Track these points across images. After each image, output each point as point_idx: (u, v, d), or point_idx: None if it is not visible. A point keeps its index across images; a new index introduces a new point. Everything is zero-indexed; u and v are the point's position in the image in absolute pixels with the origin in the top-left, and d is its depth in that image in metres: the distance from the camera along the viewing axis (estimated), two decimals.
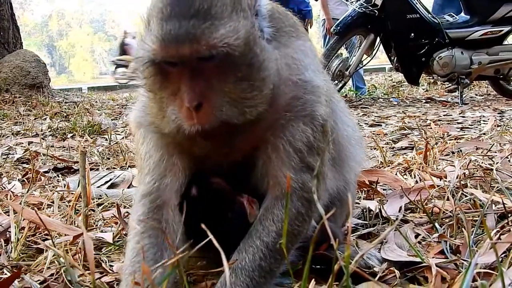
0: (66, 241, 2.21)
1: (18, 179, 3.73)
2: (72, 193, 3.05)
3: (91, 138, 6.02)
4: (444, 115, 7.45)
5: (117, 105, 10.59)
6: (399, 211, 2.51)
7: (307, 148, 1.71)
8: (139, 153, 1.83)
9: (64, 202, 2.99)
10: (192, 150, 1.73)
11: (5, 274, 1.92)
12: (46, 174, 3.85)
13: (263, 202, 1.75)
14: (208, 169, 1.83)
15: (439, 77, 9.66)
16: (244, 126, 1.60)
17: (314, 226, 1.77)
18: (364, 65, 10.48)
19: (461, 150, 4.06)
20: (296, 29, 1.86)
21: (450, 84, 10.37)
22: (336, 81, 9.52)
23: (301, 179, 1.70)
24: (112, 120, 7.55)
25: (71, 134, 6.31)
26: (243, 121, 1.58)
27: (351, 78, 10.87)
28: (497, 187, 2.64)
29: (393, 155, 4.24)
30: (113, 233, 2.33)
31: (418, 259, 1.82)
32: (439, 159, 3.71)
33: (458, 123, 6.49)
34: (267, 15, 1.69)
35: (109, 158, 4.63)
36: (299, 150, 1.70)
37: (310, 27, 12.95)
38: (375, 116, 7.67)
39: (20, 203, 2.52)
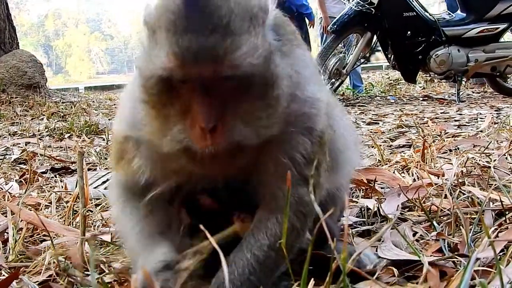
0: (64, 242, 2.21)
1: (16, 180, 3.72)
2: (70, 194, 3.05)
3: (89, 138, 6.01)
4: (441, 113, 7.47)
5: (114, 104, 10.57)
6: (397, 209, 2.52)
7: (304, 161, 1.63)
8: (125, 165, 1.73)
9: (62, 203, 2.99)
10: (188, 169, 1.62)
11: (3, 275, 1.92)
12: (44, 175, 3.85)
13: (256, 214, 1.69)
14: (199, 185, 1.75)
15: (436, 75, 9.70)
16: (256, 147, 1.54)
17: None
18: (361, 64, 10.49)
19: (458, 148, 4.07)
20: (296, 37, 1.77)
21: (446, 81, 10.39)
22: (333, 80, 9.54)
23: (297, 193, 1.63)
24: (109, 120, 7.54)
25: (68, 134, 6.30)
26: (256, 143, 1.50)
27: (348, 76, 10.90)
28: (495, 184, 2.64)
29: (390, 153, 4.25)
30: (112, 233, 2.33)
31: (416, 258, 1.82)
32: (437, 157, 3.72)
33: (455, 120, 6.51)
34: (273, 25, 1.58)
35: (106, 158, 4.62)
36: (297, 163, 1.62)
37: (312, 28, 12.97)
38: (373, 114, 7.68)
39: (18, 204, 2.52)
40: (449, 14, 9.76)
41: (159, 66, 1.39)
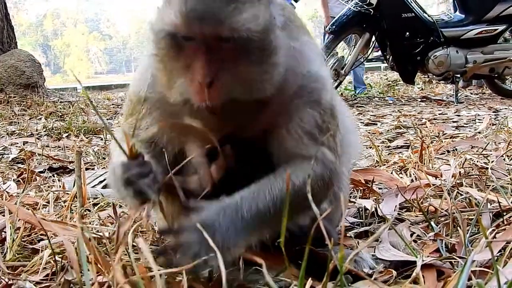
0: (62, 241, 2.20)
1: (13, 179, 3.71)
2: (68, 193, 3.04)
3: (86, 137, 6.00)
4: (439, 114, 7.48)
5: (112, 104, 10.57)
6: (394, 210, 2.52)
7: (317, 130, 1.75)
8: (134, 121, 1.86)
9: (59, 202, 2.99)
10: (192, 128, 1.75)
11: (1, 274, 1.91)
12: (42, 174, 3.84)
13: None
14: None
15: (434, 76, 9.70)
16: (250, 106, 1.67)
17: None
18: (359, 65, 10.48)
19: (456, 149, 4.07)
20: (303, 26, 1.94)
21: (445, 83, 10.40)
22: (332, 80, 9.54)
23: (320, 150, 1.74)
24: (107, 119, 7.54)
25: (66, 134, 6.29)
26: (250, 100, 1.64)
27: (353, 77, 10.93)
28: (493, 185, 2.64)
29: (388, 154, 4.25)
30: (109, 233, 2.33)
31: (413, 258, 1.82)
32: (435, 158, 3.72)
33: (454, 122, 6.52)
34: (280, 6, 1.75)
35: (104, 158, 4.62)
36: (310, 132, 1.75)
37: None
38: (371, 115, 7.68)
39: (16, 203, 2.51)
40: (448, 15, 9.77)
41: (168, 22, 1.56)
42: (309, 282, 1.42)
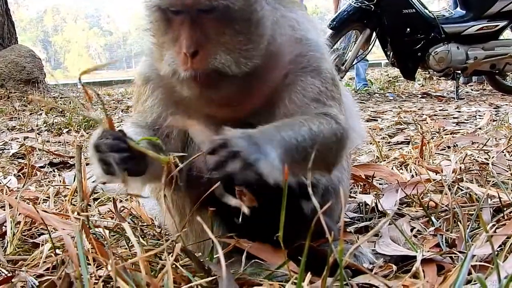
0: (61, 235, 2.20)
1: (14, 174, 3.72)
2: (68, 188, 3.05)
3: (87, 133, 6.00)
4: (440, 110, 7.47)
5: (113, 100, 10.56)
6: (395, 205, 2.51)
7: (322, 96, 1.79)
8: (140, 106, 1.94)
9: (59, 197, 2.99)
10: (199, 110, 1.81)
11: (2, 267, 1.91)
12: (42, 169, 3.85)
13: None
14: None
15: (435, 72, 9.68)
16: (242, 79, 1.70)
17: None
18: (359, 61, 10.46)
19: (457, 145, 4.07)
20: (300, 5, 2.00)
21: (445, 79, 10.38)
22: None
23: (330, 111, 1.77)
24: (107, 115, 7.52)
25: (67, 129, 6.29)
26: (237, 72, 1.68)
27: (355, 72, 10.93)
28: (493, 181, 2.64)
29: (389, 150, 4.25)
30: (109, 228, 2.33)
31: (413, 253, 1.82)
32: (435, 153, 3.72)
33: (454, 118, 6.51)
34: None
35: None
36: (315, 99, 1.78)
37: None
38: (371, 111, 7.67)
39: (16, 198, 2.52)
40: (449, 11, 9.75)
41: None
42: (308, 276, 1.42)
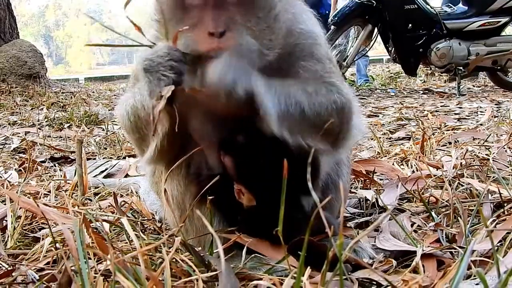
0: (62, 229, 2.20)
1: (15, 169, 3.72)
2: (69, 183, 3.05)
3: (88, 128, 6.01)
4: (441, 106, 7.46)
5: (114, 95, 10.55)
6: (395, 200, 2.51)
7: (319, 73, 1.82)
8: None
9: (60, 192, 2.99)
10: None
11: (2, 261, 1.92)
12: (43, 164, 3.85)
13: None
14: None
15: (436, 68, 9.66)
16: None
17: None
18: (360, 57, 10.44)
19: (458, 141, 4.06)
20: (302, 3, 2.00)
21: (447, 75, 10.37)
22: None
23: (328, 80, 1.81)
24: (109, 110, 7.53)
25: (68, 124, 6.30)
26: (261, 59, 1.68)
27: (356, 68, 10.91)
28: (494, 176, 2.64)
29: (390, 146, 4.25)
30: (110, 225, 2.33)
31: (413, 248, 1.82)
32: (436, 149, 3.72)
33: (455, 114, 6.50)
34: None
35: (106, 148, 4.63)
36: (313, 71, 1.81)
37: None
38: (373, 107, 7.67)
39: (17, 192, 2.52)
40: (451, 7, 9.72)
41: None
42: (308, 270, 1.42)
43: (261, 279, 1.62)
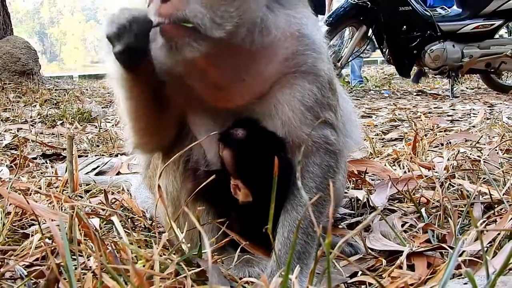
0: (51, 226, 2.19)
1: (6, 165, 3.70)
2: (60, 180, 3.04)
3: (81, 125, 5.99)
4: (434, 108, 7.48)
5: (108, 93, 10.50)
6: (386, 200, 2.52)
7: (318, 105, 1.74)
8: None
9: (51, 188, 2.98)
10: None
11: None
12: (34, 160, 3.83)
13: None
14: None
15: (430, 70, 9.68)
16: (219, 50, 1.61)
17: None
18: (356, 57, 10.45)
19: (450, 142, 4.07)
20: (305, 4, 1.87)
21: (441, 77, 10.40)
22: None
23: (322, 134, 1.75)
24: (102, 108, 7.51)
25: (61, 122, 6.27)
26: (209, 33, 1.53)
27: (350, 69, 10.93)
28: (485, 178, 2.65)
29: (382, 146, 4.26)
30: (100, 220, 2.32)
31: (403, 248, 1.83)
32: (428, 150, 3.72)
33: (448, 115, 6.51)
34: None
35: (98, 146, 4.62)
36: (311, 108, 1.73)
37: None
38: (366, 108, 7.68)
39: (7, 188, 2.51)
40: (445, 9, 9.74)
41: None
42: (297, 269, 1.42)
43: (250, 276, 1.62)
